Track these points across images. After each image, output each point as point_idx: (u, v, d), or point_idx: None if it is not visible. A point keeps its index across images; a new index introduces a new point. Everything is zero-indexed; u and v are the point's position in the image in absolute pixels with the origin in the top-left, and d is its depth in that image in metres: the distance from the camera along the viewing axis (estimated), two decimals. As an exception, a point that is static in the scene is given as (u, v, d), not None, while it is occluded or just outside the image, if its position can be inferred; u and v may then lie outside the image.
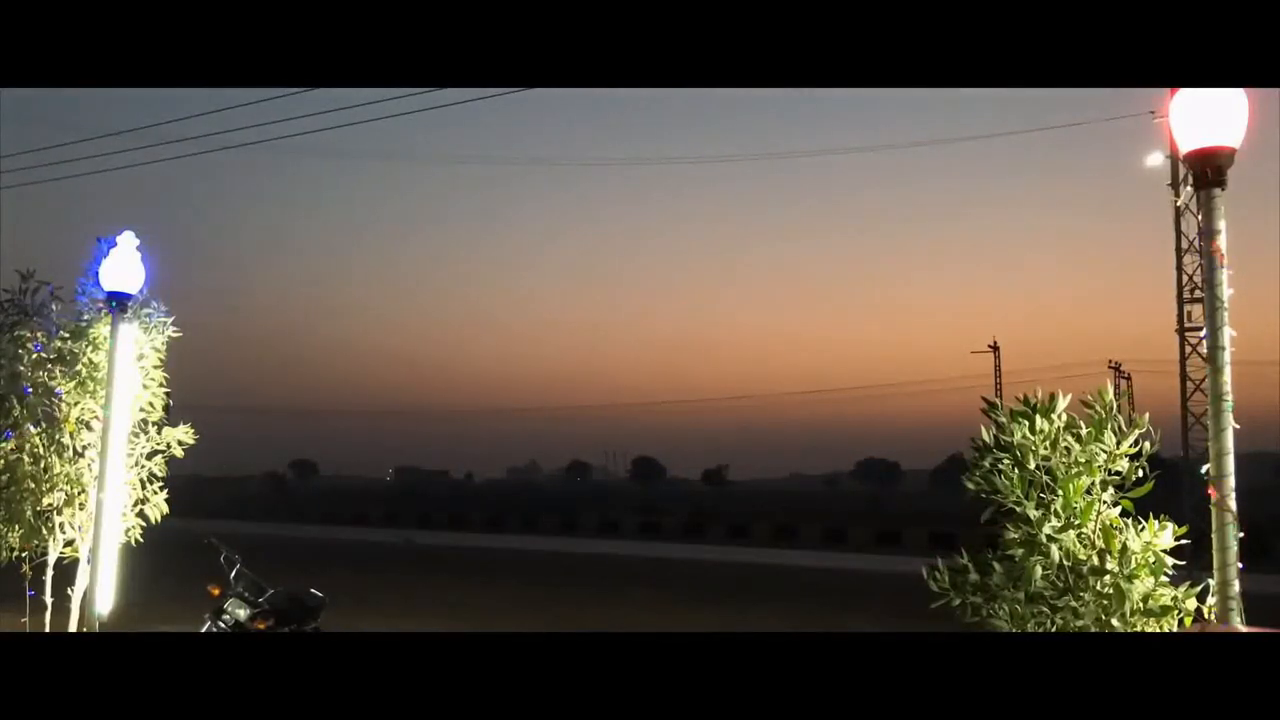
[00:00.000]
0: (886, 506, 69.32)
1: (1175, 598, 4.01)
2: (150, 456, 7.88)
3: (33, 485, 7.53)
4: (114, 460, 6.93)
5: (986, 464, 4.27)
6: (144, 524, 7.77)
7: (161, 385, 7.85)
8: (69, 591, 7.48)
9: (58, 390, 7.65)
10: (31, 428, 7.63)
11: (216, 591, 7.49)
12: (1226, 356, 3.68)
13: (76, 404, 7.65)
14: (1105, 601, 4.00)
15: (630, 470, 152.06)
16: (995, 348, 42.94)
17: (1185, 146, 3.83)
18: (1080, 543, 4.10)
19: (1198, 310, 20.38)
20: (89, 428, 7.66)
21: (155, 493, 7.85)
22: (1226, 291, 3.70)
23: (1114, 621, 3.98)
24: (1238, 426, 3.67)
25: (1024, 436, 4.17)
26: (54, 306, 7.95)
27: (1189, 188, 20.22)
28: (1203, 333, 3.76)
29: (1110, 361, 39.15)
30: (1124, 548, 4.04)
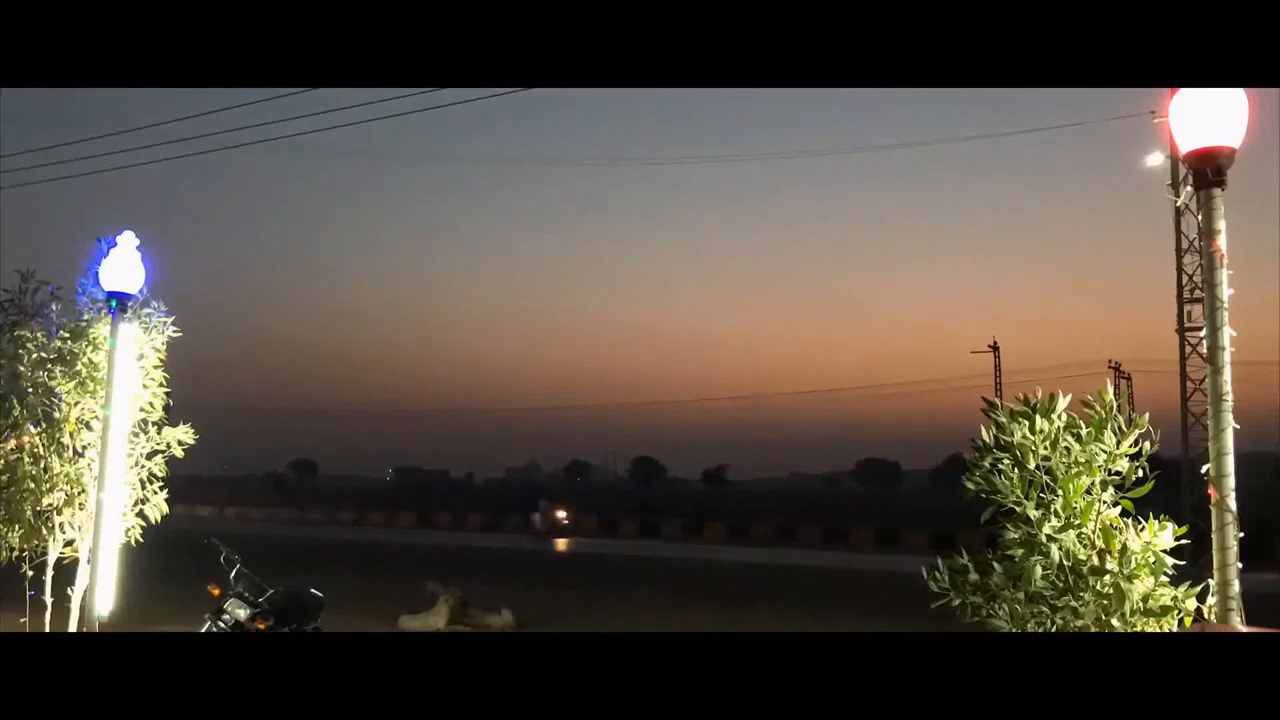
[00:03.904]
0: (886, 506, 69.23)
1: (1175, 598, 4.01)
2: (150, 456, 7.87)
3: (33, 485, 7.53)
4: (114, 460, 6.93)
5: (986, 464, 4.26)
6: (144, 524, 7.77)
7: (161, 385, 7.84)
8: (69, 591, 7.48)
9: (58, 390, 7.65)
10: (31, 428, 7.63)
11: (216, 591, 7.48)
12: (1226, 356, 3.68)
13: (76, 404, 7.65)
14: (1105, 601, 4.00)
15: (630, 470, 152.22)
16: (995, 348, 42.96)
17: (1185, 146, 3.82)
18: (1080, 543, 4.10)
19: (1198, 310, 20.36)
20: (89, 428, 7.66)
21: (155, 493, 7.86)
22: (1226, 291, 3.70)
23: (1114, 621, 3.98)
24: (1237, 426, 3.67)
25: (1024, 436, 4.17)
26: (54, 306, 7.94)
27: (1189, 188, 20.20)
28: (1203, 333, 3.76)
29: (1110, 361, 39.17)
30: (1124, 548, 4.04)
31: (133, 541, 7.63)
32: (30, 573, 7.70)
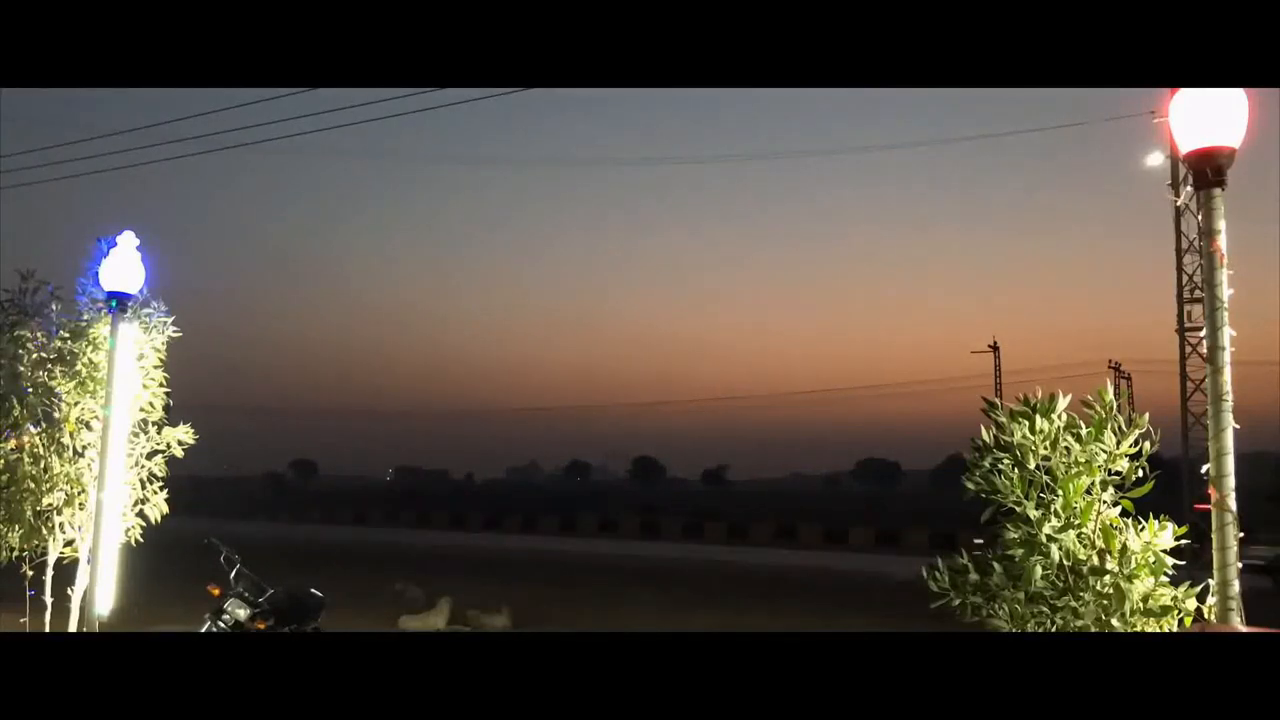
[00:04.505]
0: (886, 506, 69.20)
1: (1175, 598, 4.01)
2: (150, 456, 7.87)
3: (33, 485, 7.53)
4: (114, 460, 6.92)
5: (986, 464, 4.26)
6: (144, 524, 7.77)
7: (161, 385, 7.84)
8: (69, 591, 7.48)
9: (58, 390, 7.65)
10: (31, 428, 7.63)
11: (216, 591, 7.49)
12: (1226, 356, 3.68)
13: (76, 404, 7.65)
14: (1105, 601, 4.00)
15: (630, 470, 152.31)
16: (995, 348, 42.96)
17: (1185, 146, 3.82)
18: (1080, 543, 4.10)
19: (1198, 310, 20.36)
20: (89, 428, 7.66)
21: (155, 493, 7.85)
22: (1226, 291, 3.70)
23: (1114, 621, 3.98)
24: (1238, 426, 3.67)
25: (1024, 436, 4.17)
26: (54, 306, 7.95)
27: (1189, 188, 20.22)
28: (1203, 333, 3.76)
29: (1110, 361, 39.17)
30: (1124, 548, 4.04)
31: (133, 541, 7.63)
32: (30, 573, 7.70)
